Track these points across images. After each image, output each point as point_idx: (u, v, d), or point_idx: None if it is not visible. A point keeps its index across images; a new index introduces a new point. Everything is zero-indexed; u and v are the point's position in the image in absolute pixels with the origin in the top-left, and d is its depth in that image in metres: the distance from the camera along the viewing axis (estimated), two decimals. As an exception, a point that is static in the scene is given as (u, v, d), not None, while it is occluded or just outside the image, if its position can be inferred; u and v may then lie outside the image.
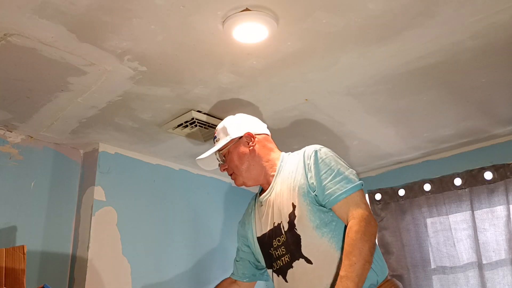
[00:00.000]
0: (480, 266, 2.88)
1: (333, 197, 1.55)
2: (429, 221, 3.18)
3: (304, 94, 2.44)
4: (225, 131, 1.80)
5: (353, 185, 1.56)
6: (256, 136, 1.81)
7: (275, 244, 1.66)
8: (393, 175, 3.46)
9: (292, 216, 1.60)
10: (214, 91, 2.37)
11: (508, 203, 2.85)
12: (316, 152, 1.65)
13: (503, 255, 2.81)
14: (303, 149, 1.71)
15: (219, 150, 1.78)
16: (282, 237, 1.62)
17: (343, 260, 1.45)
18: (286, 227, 1.62)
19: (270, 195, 1.73)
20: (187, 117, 2.59)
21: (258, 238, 1.77)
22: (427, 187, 3.21)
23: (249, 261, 1.90)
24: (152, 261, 3.02)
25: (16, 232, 2.60)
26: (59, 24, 1.81)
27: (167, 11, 1.75)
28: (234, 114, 1.94)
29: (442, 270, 3.04)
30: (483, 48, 2.05)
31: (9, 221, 2.59)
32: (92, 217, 2.79)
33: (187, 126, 2.68)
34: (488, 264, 2.86)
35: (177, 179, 3.35)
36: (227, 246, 3.46)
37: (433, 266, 3.09)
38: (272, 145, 1.86)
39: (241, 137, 1.79)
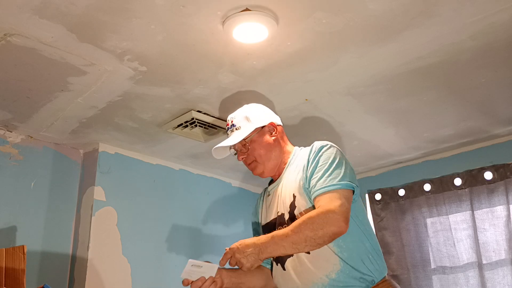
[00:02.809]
0: (480, 266, 2.88)
1: (315, 190, 1.55)
2: (429, 221, 3.18)
3: (304, 94, 2.44)
4: (247, 119, 1.77)
5: (338, 183, 1.53)
6: (277, 126, 1.82)
7: None
8: (393, 175, 3.46)
9: (292, 207, 1.62)
10: (214, 91, 2.37)
11: (508, 203, 2.85)
12: (321, 147, 1.66)
13: (503, 255, 2.81)
14: (313, 144, 1.73)
15: (244, 139, 1.76)
16: (285, 226, 1.63)
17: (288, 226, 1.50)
18: (287, 216, 1.64)
19: (277, 186, 1.76)
20: (187, 117, 2.59)
21: (263, 226, 1.80)
22: (427, 187, 3.21)
23: None
24: (152, 261, 3.02)
25: (16, 232, 2.60)
26: (59, 24, 1.81)
27: (167, 11, 1.75)
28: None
29: (442, 270, 3.04)
30: (483, 48, 2.05)
31: (9, 221, 2.59)
32: (92, 217, 2.79)
33: (187, 126, 2.68)
34: (488, 264, 2.86)
35: (177, 179, 3.35)
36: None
37: (433, 266, 3.09)
38: (286, 137, 1.87)
39: (263, 126, 1.79)
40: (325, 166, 1.58)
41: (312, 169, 1.60)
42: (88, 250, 2.72)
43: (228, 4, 1.73)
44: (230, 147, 1.81)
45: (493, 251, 2.85)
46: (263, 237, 1.51)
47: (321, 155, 1.62)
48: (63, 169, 2.93)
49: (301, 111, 2.62)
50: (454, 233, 3.03)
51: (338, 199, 1.49)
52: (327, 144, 1.67)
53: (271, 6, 1.75)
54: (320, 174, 1.57)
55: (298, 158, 1.74)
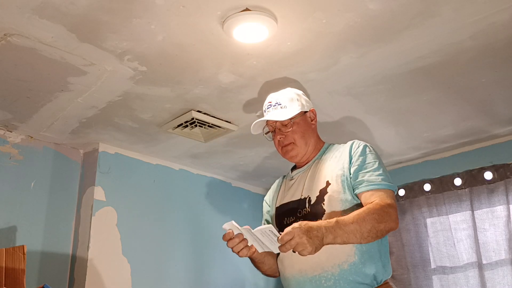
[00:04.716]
0: (480, 266, 2.88)
1: (367, 184, 1.59)
2: (429, 221, 3.18)
3: (304, 94, 2.44)
4: (294, 101, 1.78)
5: (389, 184, 1.61)
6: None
7: (292, 218, 1.69)
8: (393, 175, 3.40)
9: (323, 192, 1.65)
10: (214, 91, 2.37)
11: (508, 203, 2.84)
12: (366, 145, 1.73)
13: (503, 255, 2.81)
14: (350, 141, 1.77)
15: (290, 118, 1.77)
16: (305, 210, 1.66)
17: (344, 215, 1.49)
18: (313, 200, 1.65)
19: (305, 172, 1.78)
20: (187, 117, 2.59)
21: (277, 207, 1.81)
22: (427, 187, 3.21)
23: None
24: (152, 261, 3.02)
25: (16, 232, 2.60)
26: (59, 24, 1.81)
27: (167, 11, 1.75)
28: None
29: (442, 270, 3.04)
30: (483, 48, 2.05)
31: (9, 221, 2.59)
32: (92, 217, 2.79)
33: (187, 126, 2.68)
34: (488, 264, 2.86)
35: (177, 179, 3.35)
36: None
37: (433, 266, 3.09)
38: None
39: (306, 112, 1.81)
40: (374, 165, 1.65)
41: (359, 164, 1.65)
42: (88, 250, 2.72)
43: (228, 4, 1.73)
44: (265, 126, 1.81)
45: (493, 251, 2.85)
46: (323, 222, 1.45)
47: (367, 153, 1.69)
48: (63, 169, 2.93)
49: (301, 111, 2.62)
50: (454, 233, 3.03)
51: (391, 198, 1.58)
52: (370, 145, 1.75)
53: (271, 6, 1.75)
54: (371, 170, 1.62)
55: (333, 150, 1.78)
